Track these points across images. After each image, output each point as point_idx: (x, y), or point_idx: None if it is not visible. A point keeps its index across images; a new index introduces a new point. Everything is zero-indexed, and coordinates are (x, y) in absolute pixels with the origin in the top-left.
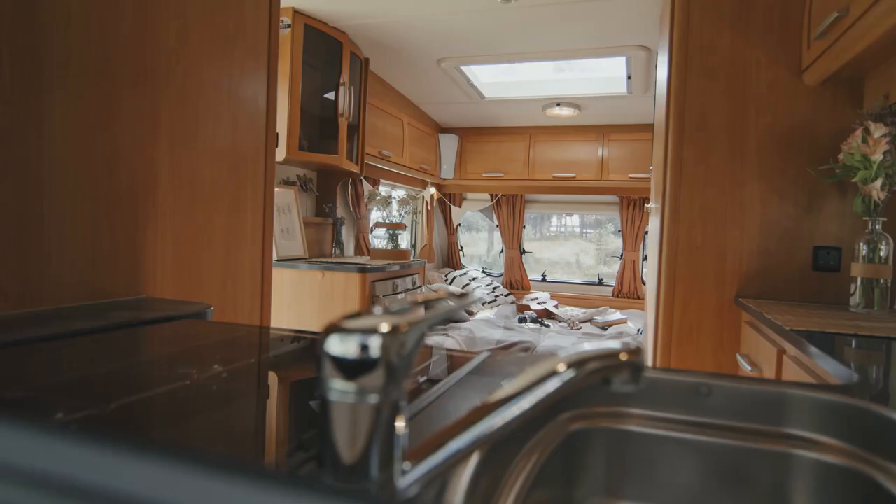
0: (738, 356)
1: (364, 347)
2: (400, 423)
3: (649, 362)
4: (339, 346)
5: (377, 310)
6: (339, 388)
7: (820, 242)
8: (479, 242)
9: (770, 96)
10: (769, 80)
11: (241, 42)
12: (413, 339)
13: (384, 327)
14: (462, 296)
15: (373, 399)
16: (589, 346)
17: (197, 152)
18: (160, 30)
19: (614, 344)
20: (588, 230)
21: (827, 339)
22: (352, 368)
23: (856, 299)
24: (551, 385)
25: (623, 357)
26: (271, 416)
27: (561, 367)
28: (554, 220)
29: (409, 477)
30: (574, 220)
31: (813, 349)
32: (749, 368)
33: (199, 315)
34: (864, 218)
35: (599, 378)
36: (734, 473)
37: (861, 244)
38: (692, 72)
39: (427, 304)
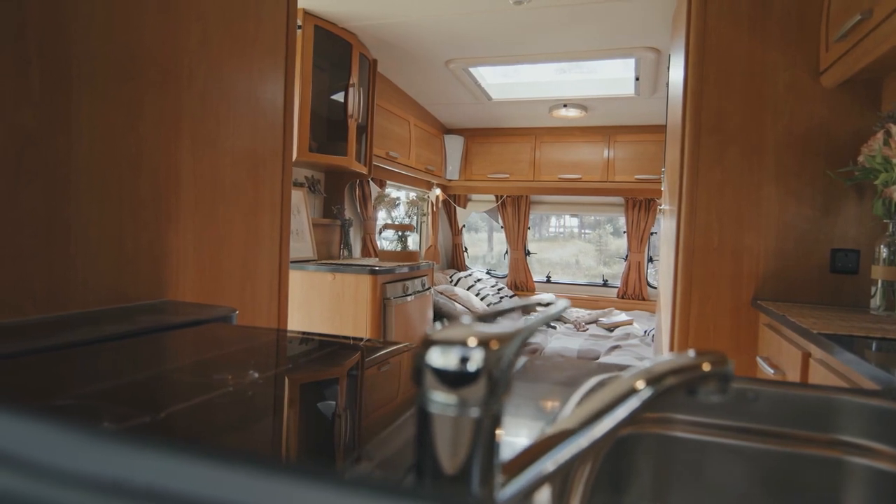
0: (758, 359)
1: (466, 360)
2: (500, 437)
3: None
4: (440, 358)
5: (466, 319)
6: (440, 400)
7: (838, 244)
8: (479, 243)
9: (787, 98)
10: (786, 82)
11: (259, 44)
12: (513, 350)
13: (485, 339)
14: (549, 304)
15: (474, 412)
16: (665, 357)
17: (218, 154)
18: (182, 31)
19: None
20: (587, 231)
21: (855, 342)
22: (453, 381)
23: (876, 301)
24: (633, 402)
25: (706, 368)
26: (329, 421)
27: (640, 385)
28: (553, 220)
29: (508, 491)
30: (573, 221)
31: (847, 354)
32: (771, 371)
33: (225, 319)
34: (885, 220)
35: (683, 390)
36: (783, 480)
37: (881, 247)
38: (708, 74)
39: (512, 312)
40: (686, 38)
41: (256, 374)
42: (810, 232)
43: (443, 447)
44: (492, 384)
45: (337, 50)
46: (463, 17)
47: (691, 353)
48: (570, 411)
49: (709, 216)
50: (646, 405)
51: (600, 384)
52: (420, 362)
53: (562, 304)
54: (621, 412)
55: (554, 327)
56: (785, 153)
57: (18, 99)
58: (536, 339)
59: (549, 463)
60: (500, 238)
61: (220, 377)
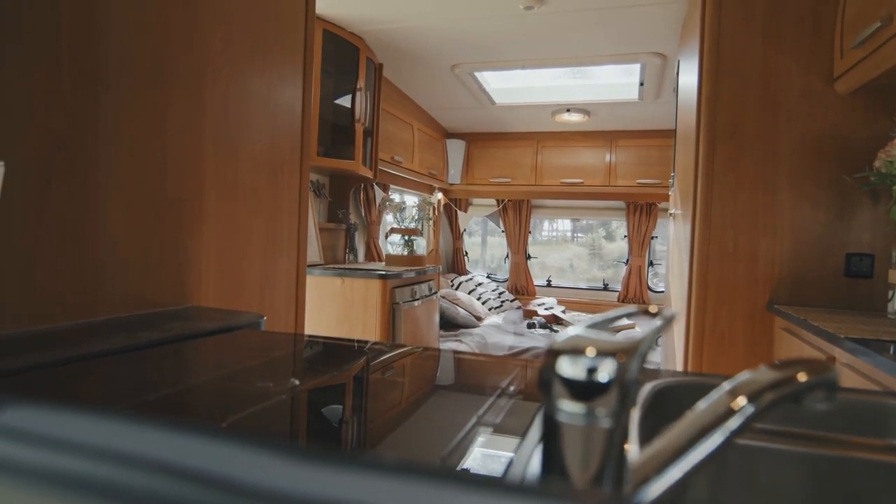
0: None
1: (598, 370)
2: (629, 448)
3: (679, 368)
4: (570, 368)
5: (580, 329)
6: (570, 410)
7: (852, 249)
8: (473, 247)
9: (801, 104)
10: (800, 87)
11: (279, 48)
12: (640, 360)
13: (614, 349)
14: (657, 313)
15: (606, 422)
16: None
17: (238, 158)
18: (208, 34)
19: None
20: (579, 234)
21: (884, 346)
22: (585, 391)
23: (894, 305)
24: (737, 420)
25: (803, 378)
26: (409, 426)
27: (741, 402)
28: (546, 224)
29: (638, 498)
30: (566, 225)
31: (878, 357)
32: None
33: (253, 325)
34: None
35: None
36: (839, 486)
37: None
38: (723, 79)
39: (619, 320)
40: (700, 44)
41: (312, 380)
42: (825, 236)
43: (573, 456)
44: (623, 394)
45: (343, 54)
46: (472, 21)
47: (779, 363)
48: (636, 421)
49: (723, 221)
50: (749, 422)
51: (657, 392)
52: (548, 372)
53: (669, 312)
54: (729, 427)
55: (556, 331)
56: (799, 158)
57: (50, 101)
58: (540, 344)
59: (672, 475)
60: (492, 242)
61: (273, 384)
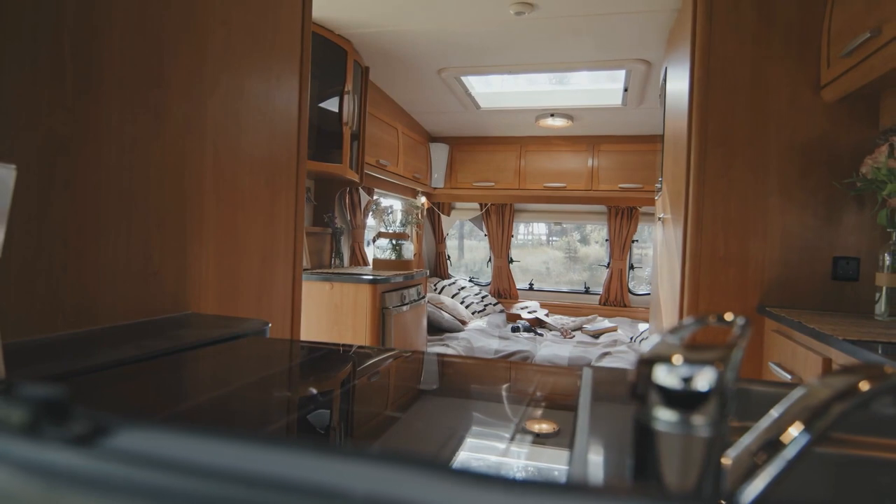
0: (770, 364)
1: (697, 379)
2: (727, 460)
3: None
4: (669, 377)
5: (665, 338)
6: (668, 419)
7: (839, 252)
8: (453, 251)
9: (790, 111)
10: (789, 95)
11: (277, 51)
12: (735, 368)
13: (712, 358)
14: (732, 321)
15: (705, 431)
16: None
17: (238, 162)
18: (207, 36)
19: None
20: (554, 238)
21: (880, 348)
22: (686, 400)
23: (881, 308)
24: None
25: (865, 388)
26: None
27: (800, 426)
28: (522, 228)
29: None
30: (541, 229)
31: (883, 359)
32: (788, 377)
33: (259, 332)
34: (889, 230)
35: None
36: (864, 488)
37: (885, 255)
38: (714, 87)
39: (690, 328)
40: (691, 52)
41: (348, 384)
42: (813, 240)
43: (670, 467)
44: (722, 403)
45: (330, 56)
46: (462, 26)
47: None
48: None
49: (714, 226)
50: (815, 441)
51: None
52: (644, 381)
53: (740, 320)
54: (787, 455)
55: (541, 334)
56: (788, 164)
57: (53, 103)
58: (526, 347)
59: (757, 486)
60: (472, 245)
61: (305, 391)
